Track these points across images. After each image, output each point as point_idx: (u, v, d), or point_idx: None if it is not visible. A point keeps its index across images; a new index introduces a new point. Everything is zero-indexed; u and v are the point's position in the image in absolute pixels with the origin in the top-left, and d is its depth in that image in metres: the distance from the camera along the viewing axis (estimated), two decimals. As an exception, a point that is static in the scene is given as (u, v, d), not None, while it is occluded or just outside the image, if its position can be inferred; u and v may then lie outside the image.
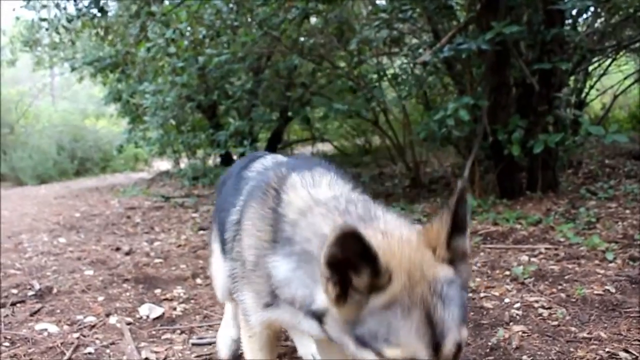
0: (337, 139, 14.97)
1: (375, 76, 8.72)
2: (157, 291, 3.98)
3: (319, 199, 1.67)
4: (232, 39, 7.72)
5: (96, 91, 21.29)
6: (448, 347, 1.28)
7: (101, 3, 6.28)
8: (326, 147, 16.07)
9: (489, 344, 2.80)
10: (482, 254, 4.54)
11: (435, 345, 1.27)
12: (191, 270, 4.52)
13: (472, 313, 3.22)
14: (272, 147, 14.07)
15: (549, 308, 3.23)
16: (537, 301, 3.35)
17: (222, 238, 2.04)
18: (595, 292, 3.42)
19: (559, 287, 3.56)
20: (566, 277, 3.76)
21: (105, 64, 12.95)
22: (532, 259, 4.27)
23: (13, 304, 3.79)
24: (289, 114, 12.41)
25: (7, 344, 3.14)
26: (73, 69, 13.60)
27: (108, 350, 3.00)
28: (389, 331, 1.29)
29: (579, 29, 7.53)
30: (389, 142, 9.35)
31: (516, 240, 4.90)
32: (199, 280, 4.28)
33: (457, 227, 1.40)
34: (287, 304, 1.60)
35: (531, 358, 2.64)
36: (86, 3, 6.50)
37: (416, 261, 1.36)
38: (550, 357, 2.63)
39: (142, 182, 13.16)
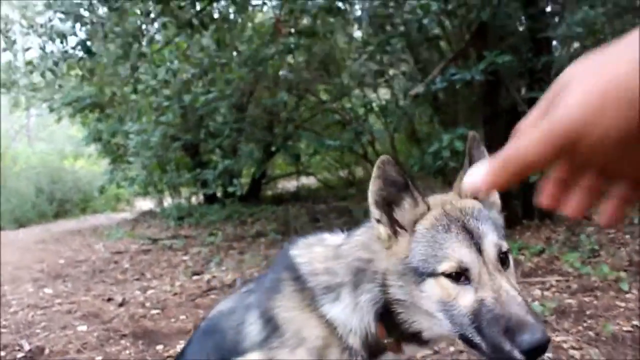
0: (320, 172, 14.86)
1: (362, 109, 8.66)
2: (159, 347, 3.73)
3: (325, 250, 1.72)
4: (218, 77, 7.60)
5: (74, 131, 21.00)
6: (488, 247, 1.41)
7: (88, 44, 6.11)
8: (310, 181, 15.95)
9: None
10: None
11: (477, 247, 1.40)
12: (192, 322, 4.27)
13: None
14: (257, 183, 13.90)
15: (580, 349, 3.08)
16: (565, 341, 3.20)
17: None
18: (624, 328, 3.28)
19: (584, 325, 3.42)
20: (588, 313, 3.62)
21: (84, 104, 12.73)
22: (546, 293, 4.13)
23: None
24: (273, 149, 12.31)
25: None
26: (51, 109, 13.33)
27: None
28: (435, 248, 1.42)
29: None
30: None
31: (524, 273, 4.77)
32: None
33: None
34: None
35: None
36: (73, 45, 6.33)
37: (447, 199, 1.55)
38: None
39: (125, 223, 12.82)
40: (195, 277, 5.90)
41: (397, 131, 8.56)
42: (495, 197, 1.61)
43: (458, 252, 1.40)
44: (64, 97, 12.76)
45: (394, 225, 1.51)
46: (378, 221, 1.50)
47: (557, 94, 0.70)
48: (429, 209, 1.49)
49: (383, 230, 1.50)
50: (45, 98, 13.60)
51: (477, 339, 1.36)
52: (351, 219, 8.60)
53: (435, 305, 1.44)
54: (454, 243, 1.42)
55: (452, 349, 3.26)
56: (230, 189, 8.14)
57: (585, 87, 0.65)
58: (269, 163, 13.95)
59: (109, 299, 5.18)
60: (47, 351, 3.79)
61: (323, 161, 14.43)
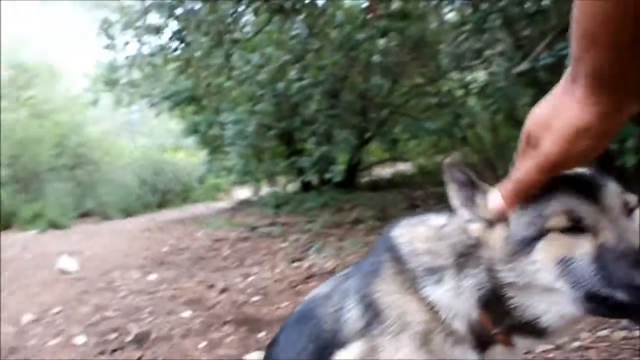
0: (415, 158, 14.52)
1: (460, 91, 8.27)
2: (261, 335, 3.67)
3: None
4: (311, 63, 7.50)
5: (173, 124, 21.81)
6: (609, 196, 1.21)
7: (182, 34, 6.20)
8: (405, 167, 15.66)
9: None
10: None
11: (592, 197, 1.20)
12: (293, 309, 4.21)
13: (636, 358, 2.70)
14: (352, 170, 13.81)
15: None
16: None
17: None
18: None
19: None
20: None
21: (181, 98, 13.13)
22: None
23: (113, 351, 3.61)
24: (367, 135, 12.12)
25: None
26: (152, 104, 13.88)
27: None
28: (536, 210, 1.23)
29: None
30: (476, 158, 8.81)
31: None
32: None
33: None
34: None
35: None
36: (168, 37, 6.46)
37: None
38: None
39: (224, 212, 13.12)
40: (295, 264, 5.85)
41: (497, 113, 8.12)
42: None
43: (567, 204, 1.20)
44: (162, 92, 13.23)
45: (484, 221, 1.34)
46: (469, 221, 1.36)
47: (531, 138, 1.03)
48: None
49: (476, 228, 1.35)
50: (144, 94, 14.17)
51: (608, 291, 1.13)
52: (443, 204, 8.30)
53: (553, 272, 1.21)
54: (559, 197, 1.21)
55: (576, 343, 2.96)
56: (327, 176, 8.04)
57: (555, 137, 0.97)
58: (363, 149, 13.85)
59: (211, 286, 5.23)
60: (153, 336, 3.84)
61: (418, 147, 14.09)
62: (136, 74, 13.31)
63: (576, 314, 1.24)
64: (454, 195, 1.37)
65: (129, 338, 3.84)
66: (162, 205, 18.59)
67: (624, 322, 3.17)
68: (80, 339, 3.95)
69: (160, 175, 19.27)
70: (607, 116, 0.92)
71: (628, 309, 1.12)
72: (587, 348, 2.87)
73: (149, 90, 14.09)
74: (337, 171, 8.17)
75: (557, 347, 2.92)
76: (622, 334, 2.99)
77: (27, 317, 4.74)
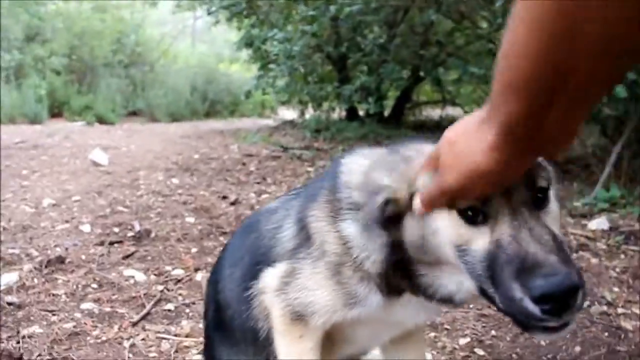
0: (468, 104, 14.11)
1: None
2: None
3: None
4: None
5: (232, 36, 21.68)
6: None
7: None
8: (456, 112, 15.26)
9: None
10: (622, 256, 3.85)
11: None
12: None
13: (605, 334, 2.65)
14: (400, 106, 13.56)
15: None
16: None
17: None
18: None
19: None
20: None
21: (240, 9, 12.94)
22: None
23: (111, 244, 3.76)
24: (421, 73, 11.78)
25: (95, 285, 3.09)
26: (209, 12, 13.74)
27: (187, 310, 2.82)
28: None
29: None
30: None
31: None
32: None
33: None
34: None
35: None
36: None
37: None
38: None
39: (265, 129, 13.19)
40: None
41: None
42: None
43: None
44: (222, 1, 13.05)
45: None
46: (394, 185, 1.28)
47: (440, 160, 1.08)
48: None
49: (401, 193, 1.26)
50: (205, 1, 14.01)
51: (492, 291, 1.08)
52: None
53: (453, 254, 1.15)
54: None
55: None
56: (364, 106, 7.92)
57: (457, 172, 1.02)
58: (415, 88, 13.52)
59: (224, 197, 5.33)
60: (152, 234, 3.97)
61: (474, 93, 13.65)
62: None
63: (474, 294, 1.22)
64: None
65: (130, 234, 3.99)
66: (209, 114, 18.77)
67: (607, 296, 3.10)
68: (86, 228, 4.13)
69: (212, 85, 19.33)
70: (509, 165, 0.95)
71: (508, 315, 1.08)
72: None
73: (209, -3, 13.93)
74: (380, 104, 7.96)
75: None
76: (602, 309, 2.92)
77: (47, 201, 4.97)
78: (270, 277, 1.56)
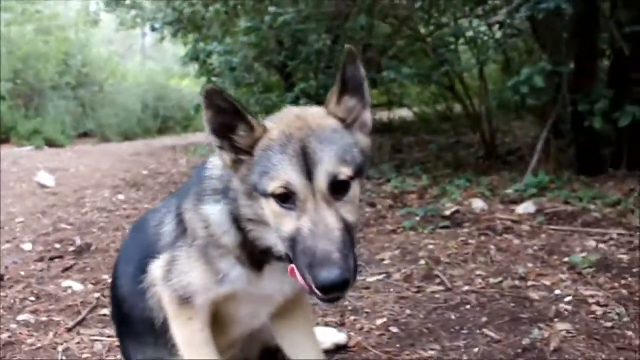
0: (418, 105, 14.53)
1: (452, 39, 8.17)
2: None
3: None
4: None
5: (182, 51, 21.69)
6: (320, 176, 1.40)
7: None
8: (405, 113, 15.62)
9: (523, 343, 2.47)
10: (543, 236, 4.10)
11: (308, 174, 1.40)
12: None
13: (512, 304, 2.88)
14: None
15: (605, 305, 2.82)
16: (593, 296, 2.94)
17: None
18: (666, 289, 2.98)
19: (623, 282, 3.13)
20: (635, 270, 3.31)
21: (183, 24, 13.04)
22: (601, 246, 3.79)
23: (51, 259, 3.87)
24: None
25: (32, 298, 3.20)
26: (153, 29, 13.81)
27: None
28: (268, 167, 1.44)
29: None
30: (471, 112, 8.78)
31: (586, 222, 4.40)
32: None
33: (347, 88, 1.55)
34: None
35: (567, 364, 2.28)
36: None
37: (303, 116, 1.54)
38: (592, 367, 2.27)
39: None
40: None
41: (484, 63, 8.05)
42: (367, 118, 1.60)
43: (287, 175, 1.41)
44: (165, 17, 13.14)
45: (238, 151, 1.52)
46: (221, 149, 1.52)
47: None
48: (265, 131, 1.50)
49: (227, 156, 1.52)
50: (148, 18, 14.07)
51: (297, 264, 1.41)
52: (428, 152, 8.41)
53: (270, 222, 1.48)
54: (286, 165, 1.42)
55: (467, 287, 3.14)
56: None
57: None
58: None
59: (167, 209, 5.44)
60: (93, 248, 4.09)
61: (422, 94, 14.06)
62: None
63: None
64: (208, 120, 1.48)
65: (71, 249, 4.08)
66: (162, 131, 18.77)
67: (520, 271, 3.34)
68: (27, 246, 4.21)
69: (164, 101, 19.35)
70: None
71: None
72: (474, 292, 3.05)
73: (153, 14, 14.00)
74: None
75: (448, 289, 3.11)
76: (513, 283, 3.16)
77: (-11, 224, 5.01)
78: (156, 269, 1.78)
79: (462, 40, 8.12)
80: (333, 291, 1.33)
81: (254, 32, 8.47)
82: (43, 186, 7.12)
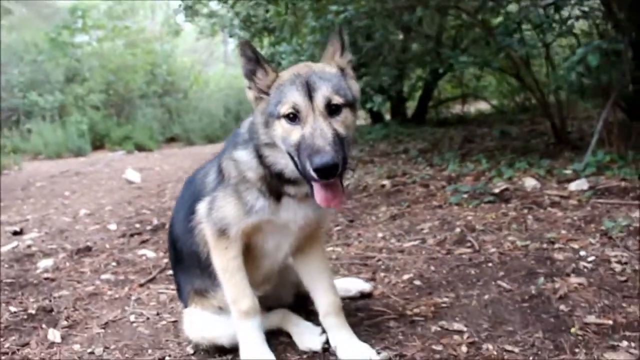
0: (497, 97, 14.50)
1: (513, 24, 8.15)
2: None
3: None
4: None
5: (261, 56, 22.45)
6: (318, 98, 1.90)
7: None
8: (483, 106, 15.56)
9: (531, 291, 2.68)
10: (588, 208, 4.16)
11: (310, 97, 1.90)
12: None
13: (532, 262, 3.08)
14: (423, 105, 13.99)
15: (626, 263, 2.97)
16: (616, 256, 3.09)
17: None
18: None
19: (648, 246, 3.24)
20: (666, 237, 3.39)
21: (258, 28, 13.66)
22: (635, 214, 3.84)
23: (131, 235, 4.43)
24: (440, 71, 12.18)
25: (114, 263, 3.75)
26: (231, 35, 14.53)
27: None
28: (280, 97, 1.94)
29: None
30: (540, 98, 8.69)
31: (638, 196, 4.41)
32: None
33: (344, 46, 2.10)
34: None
35: (569, 308, 2.48)
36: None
37: (309, 64, 2.07)
38: (592, 310, 2.46)
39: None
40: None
41: (548, 47, 7.99)
42: (349, 69, 2.11)
43: (293, 98, 1.90)
44: (240, 23, 13.81)
45: (259, 90, 2.02)
46: (249, 88, 2.05)
47: None
48: (277, 75, 2.02)
49: (252, 94, 2.05)
50: (225, 25, 14.82)
51: (299, 162, 1.88)
52: (501, 142, 8.41)
53: (280, 141, 1.94)
54: (292, 91, 1.92)
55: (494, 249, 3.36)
56: (368, 106, 8.42)
57: None
58: (435, 86, 13.91)
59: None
60: (167, 226, 4.59)
61: (500, 86, 14.02)
62: (215, 5, 14.03)
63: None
64: (243, 66, 2.02)
65: (149, 227, 4.64)
66: (244, 133, 19.56)
67: (551, 236, 3.50)
68: (113, 227, 4.82)
69: (244, 104, 20.09)
70: None
71: (304, 176, 1.90)
72: (500, 253, 3.27)
73: (229, 21, 14.73)
74: (379, 102, 8.42)
75: (475, 251, 3.34)
76: (541, 246, 3.35)
77: (83, 212, 5.71)
78: (201, 208, 2.23)
79: (528, 26, 8.08)
80: (325, 172, 1.76)
81: (319, 31, 8.87)
82: (130, 182, 7.86)
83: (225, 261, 2.17)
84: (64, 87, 16.23)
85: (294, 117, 1.90)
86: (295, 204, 2.11)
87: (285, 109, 1.91)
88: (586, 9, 7.64)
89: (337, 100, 1.92)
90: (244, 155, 2.11)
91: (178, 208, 2.51)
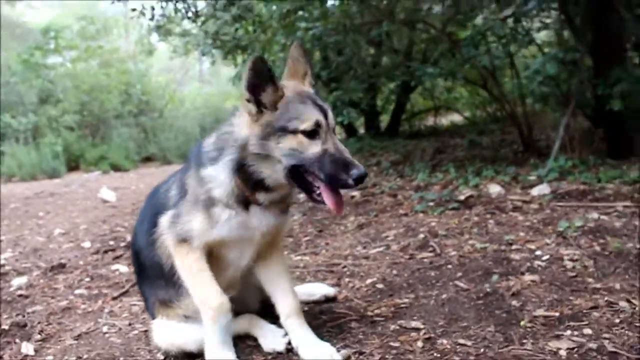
0: (469, 109, 14.82)
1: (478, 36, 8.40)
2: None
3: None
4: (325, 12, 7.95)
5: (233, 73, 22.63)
6: (330, 117, 2.16)
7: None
8: (456, 117, 15.86)
9: (486, 289, 2.83)
10: (547, 211, 4.34)
11: (324, 114, 2.14)
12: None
13: (490, 263, 3.24)
14: (396, 118, 14.23)
15: (577, 260, 3.14)
16: (569, 254, 3.26)
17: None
18: (637, 246, 3.25)
19: (601, 241, 3.42)
20: (619, 232, 3.57)
21: (230, 46, 13.80)
22: (602, 217, 3.99)
23: (105, 251, 4.51)
24: (412, 84, 12.43)
25: (87, 279, 3.84)
26: (203, 54, 14.64)
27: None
28: (298, 113, 2.10)
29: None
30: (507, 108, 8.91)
31: (595, 198, 4.62)
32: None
33: (310, 69, 2.33)
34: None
35: (520, 303, 2.63)
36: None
37: (296, 84, 2.25)
38: (542, 304, 2.61)
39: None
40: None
41: (512, 57, 8.24)
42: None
43: (315, 116, 2.10)
44: (212, 42, 13.94)
45: (262, 105, 2.12)
46: (248, 100, 2.12)
47: None
48: (283, 93, 2.14)
49: (250, 107, 2.12)
50: (198, 43, 14.95)
51: (318, 172, 2.09)
52: (471, 152, 8.61)
53: (284, 152, 2.10)
54: (312, 110, 2.12)
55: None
56: (340, 119, 8.60)
57: None
58: (406, 99, 14.17)
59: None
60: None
61: (471, 97, 14.30)
62: (188, 24, 14.14)
63: (283, 181, 2.16)
64: (247, 78, 2.10)
65: (123, 244, 4.72)
66: (219, 151, 19.61)
67: (509, 238, 3.66)
68: (87, 244, 4.89)
69: (220, 122, 20.15)
70: None
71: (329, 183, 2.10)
72: (460, 256, 3.42)
73: (202, 40, 14.85)
74: (352, 115, 8.63)
75: (437, 255, 3.48)
76: (499, 247, 3.51)
77: (57, 231, 5.75)
78: (163, 221, 2.36)
79: (493, 38, 8.31)
80: (362, 181, 2.06)
81: (289, 48, 9.06)
82: (105, 201, 7.90)
83: (188, 264, 2.28)
84: (37, 109, 16.17)
85: (314, 133, 2.09)
86: (261, 212, 2.25)
87: (307, 125, 2.08)
88: (548, 20, 7.96)
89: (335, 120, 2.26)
90: (212, 172, 2.22)
91: (140, 221, 2.63)
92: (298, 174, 2.13)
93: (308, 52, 2.36)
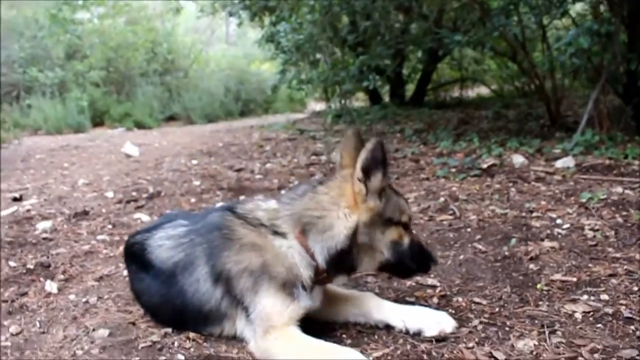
0: (496, 81, 14.56)
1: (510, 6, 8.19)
2: (242, 197, 4.48)
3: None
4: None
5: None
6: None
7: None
8: (483, 90, 15.65)
9: (504, 252, 2.83)
10: (571, 183, 4.31)
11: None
12: (280, 183, 4.98)
13: (509, 227, 3.23)
14: (421, 88, 14.08)
15: (598, 230, 3.11)
16: (590, 224, 3.23)
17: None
18: (661, 219, 3.21)
19: (624, 214, 3.38)
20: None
21: (259, 7, 13.67)
22: (627, 191, 3.95)
23: (127, 201, 4.58)
24: (440, 53, 12.25)
25: (110, 226, 3.90)
26: (231, 14, 14.55)
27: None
28: (399, 204, 2.13)
29: None
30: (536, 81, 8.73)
31: (620, 173, 4.55)
32: (283, 191, 4.69)
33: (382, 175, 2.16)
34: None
35: (538, 268, 2.63)
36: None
37: None
38: (560, 269, 2.60)
39: (294, 121, 13.90)
40: (313, 157, 6.53)
41: (545, 28, 8.04)
42: None
43: (410, 210, 2.20)
44: (240, 2, 13.82)
45: (369, 190, 2.02)
46: (360, 180, 2.00)
47: None
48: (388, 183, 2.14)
49: (362, 188, 2.01)
50: (225, 3, 14.86)
51: (409, 262, 2.14)
52: (496, 124, 8.50)
53: (387, 244, 2.09)
54: (405, 202, 2.19)
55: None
56: (364, 84, 8.52)
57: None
58: (433, 69, 13.98)
59: (231, 167, 6.08)
60: (162, 194, 4.78)
61: (499, 70, 14.05)
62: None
63: (374, 270, 2.23)
64: (364, 158, 1.98)
65: (144, 195, 4.79)
66: (244, 113, 19.60)
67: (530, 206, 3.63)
68: (110, 194, 4.97)
69: (245, 85, 20.16)
70: None
71: (410, 273, 2.26)
72: (480, 220, 3.40)
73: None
74: (373, 80, 8.51)
75: (456, 218, 3.47)
76: (520, 214, 3.48)
77: (81, 181, 5.85)
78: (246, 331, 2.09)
79: (525, 9, 8.10)
80: (429, 267, 2.26)
81: (318, 10, 8.94)
82: (128, 155, 7.99)
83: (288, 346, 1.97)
84: (64, 64, 16.30)
85: (408, 225, 2.17)
86: (318, 290, 2.13)
87: (407, 217, 2.15)
88: (583, -10, 7.73)
89: None
90: (295, 249, 2.07)
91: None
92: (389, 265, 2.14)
93: (363, 141, 2.08)
